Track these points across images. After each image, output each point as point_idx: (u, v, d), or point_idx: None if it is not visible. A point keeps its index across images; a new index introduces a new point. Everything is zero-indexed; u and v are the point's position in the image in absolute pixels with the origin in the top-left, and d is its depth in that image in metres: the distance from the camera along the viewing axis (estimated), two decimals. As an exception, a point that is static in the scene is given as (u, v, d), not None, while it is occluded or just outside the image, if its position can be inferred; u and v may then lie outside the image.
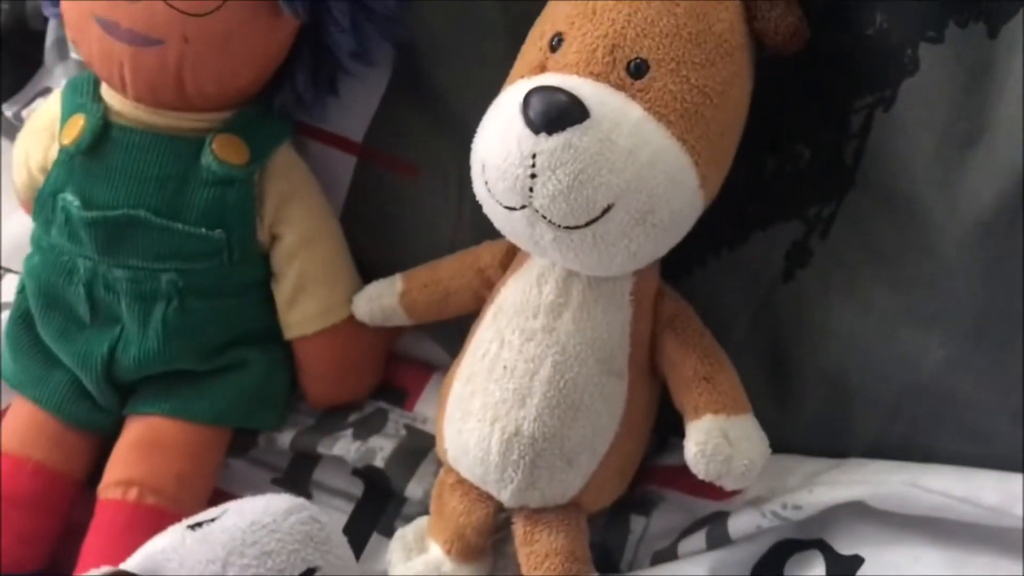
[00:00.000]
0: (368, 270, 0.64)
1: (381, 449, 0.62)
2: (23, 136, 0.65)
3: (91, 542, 0.58)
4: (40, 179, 0.62)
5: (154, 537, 0.43)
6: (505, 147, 0.47)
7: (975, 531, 0.50)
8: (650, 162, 0.47)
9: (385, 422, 0.64)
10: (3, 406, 0.65)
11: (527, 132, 0.46)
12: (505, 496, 0.54)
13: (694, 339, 0.53)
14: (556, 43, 0.50)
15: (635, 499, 0.59)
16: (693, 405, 0.52)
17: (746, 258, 0.57)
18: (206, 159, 0.58)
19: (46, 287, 0.61)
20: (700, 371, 0.52)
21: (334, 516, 0.61)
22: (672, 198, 0.48)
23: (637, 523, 0.58)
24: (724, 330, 0.55)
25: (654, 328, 0.54)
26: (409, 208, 0.64)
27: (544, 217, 0.47)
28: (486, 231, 0.56)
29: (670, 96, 0.48)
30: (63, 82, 0.78)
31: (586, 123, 0.46)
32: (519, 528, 0.55)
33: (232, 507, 0.42)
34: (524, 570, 0.55)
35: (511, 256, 0.57)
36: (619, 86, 0.48)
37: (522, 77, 0.50)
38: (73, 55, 0.76)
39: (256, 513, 0.41)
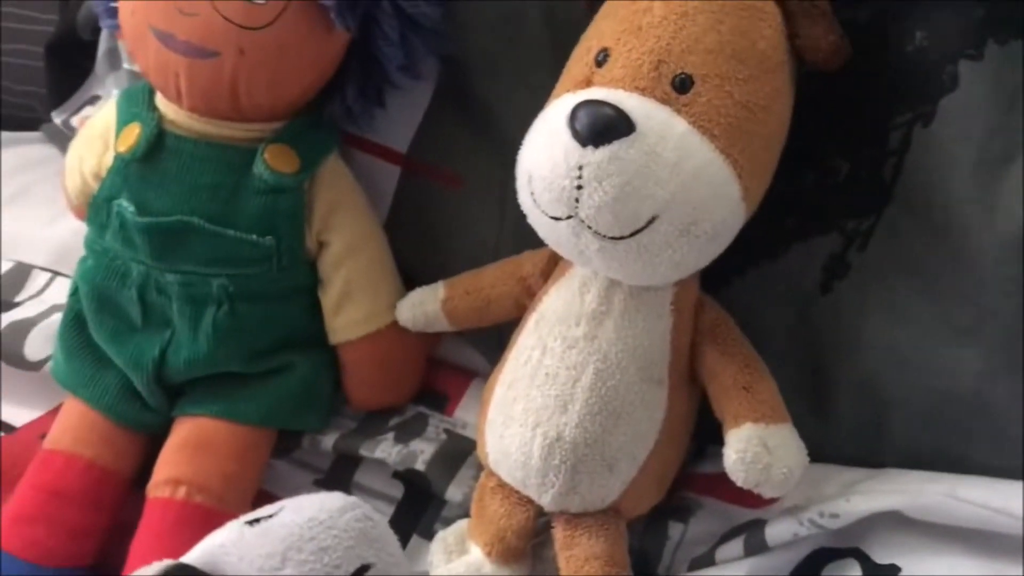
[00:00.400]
0: (411, 277, 0.65)
1: (422, 452, 0.63)
2: (77, 143, 0.67)
3: (140, 539, 0.59)
4: (93, 185, 0.64)
5: (211, 533, 0.44)
6: (552, 159, 0.48)
7: (1012, 542, 0.50)
8: (694, 174, 0.48)
9: (425, 426, 0.66)
10: (54, 405, 0.67)
11: (574, 144, 0.47)
12: (546, 500, 0.55)
13: (734, 348, 0.54)
14: (602, 58, 0.51)
15: (672, 506, 0.59)
16: (733, 413, 0.52)
17: (784, 270, 0.58)
18: (258, 168, 0.60)
19: (99, 290, 0.63)
20: (740, 380, 0.53)
21: (375, 518, 0.62)
22: (715, 210, 0.49)
23: (675, 529, 0.59)
24: (762, 341, 0.56)
25: (694, 337, 0.55)
26: (452, 217, 0.66)
27: (590, 228, 0.48)
28: (527, 240, 0.57)
29: (714, 111, 0.49)
30: (114, 91, 0.80)
31: (632, 136, 0.47)
32: (559, 532, 0.56)
33: (288, 504, 0.44)
34: (563, 573, 0.55)
35: (552, 265, 0.58)
36: (664, 100, 0.49)
37: (568, 91, 0.52)
38: (126, 65, 0.78)
39: (313, 510, 0.42)
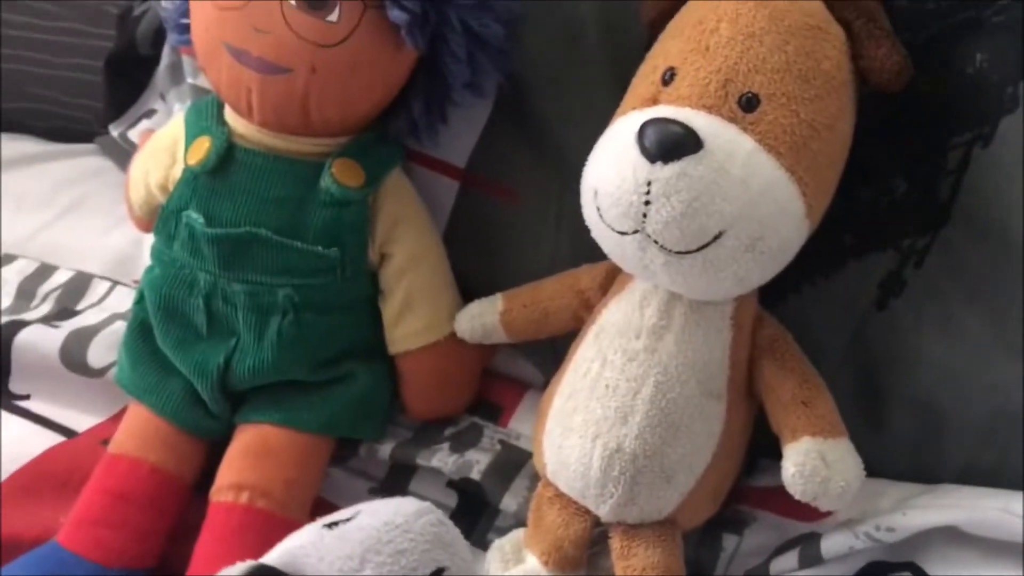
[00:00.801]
0: (468, 290, 0.67)
1: (477, 463, 0.64)
2: (143, 156, 0.68)
3: (204, 542, 0.60)
4: (158, 196, 0.66)
5: (289, 536, 0.45)
6: (620, 174, 0.50)
7: (1069, 558, 0.51)
8: (761, 191, 0.49)
9: (480, 437, 0.67)
10: (116, 411, 0.68)
11: (642, 160, 0.49)
12: (603, 511, 0.56)
13: (792, 364, 0.55)
14: (669, 77, 0.52)
15: (727, 518, 0.60)
16: (791, 428, 0.53)
17: (840, 287, 0.59)
18: (325, 182, 0.61)
19: (166, 299, 0.64)
20: (798, 395, 0.54)
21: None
22: (781, 226, 0.50)
23: (729, 541, 0.59)
24: (818, 356, 0.56)
25: (752, 352, 0.56)
26: (510, 232, 0.67)
27: (656, 242, 0.50)
28: (583, 254, 0.59)
29: (780, 129, 0.50)
30: (176, 105, 0.82)
31: (700, 153, 0.48)
32: (616, 542, 0.57)
33: (365, 508, 0.45)
34: (620, 582, 0.56)
35: (611, 279, 0.59)
36: (731, 119, 0.50)
37: (634, 108, 0.53)
38: (189, 79, 0.79)
39: (389, 514, 0.43)
